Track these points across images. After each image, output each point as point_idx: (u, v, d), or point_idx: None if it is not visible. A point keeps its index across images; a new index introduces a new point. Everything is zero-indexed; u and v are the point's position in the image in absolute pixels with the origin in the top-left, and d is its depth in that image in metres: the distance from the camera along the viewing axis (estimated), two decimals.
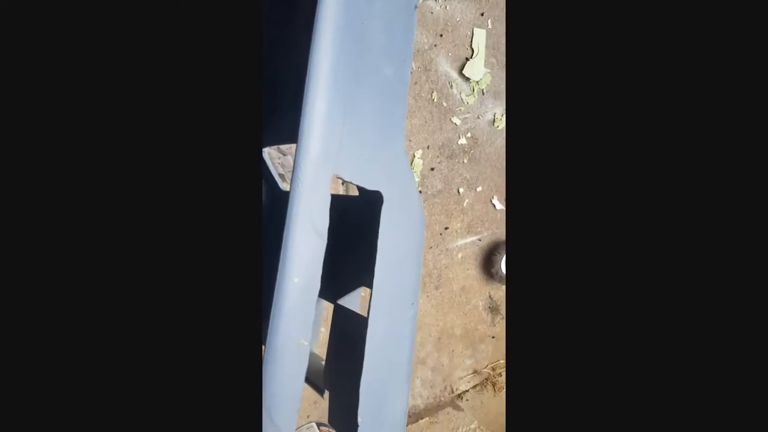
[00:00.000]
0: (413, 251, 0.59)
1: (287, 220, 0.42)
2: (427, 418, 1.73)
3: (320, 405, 1.49)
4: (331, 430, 1.45)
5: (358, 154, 0.49)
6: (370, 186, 0.51)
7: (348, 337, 0.68)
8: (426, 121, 1.59)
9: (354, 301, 0.83)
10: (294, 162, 0.43)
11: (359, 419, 0.54)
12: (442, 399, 1.83)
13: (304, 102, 0.43)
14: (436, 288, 1.74)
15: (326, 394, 0.73)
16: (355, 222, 0.77)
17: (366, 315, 0.58)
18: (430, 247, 1.71)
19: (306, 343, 0.44)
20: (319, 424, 1.45)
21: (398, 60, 0.54)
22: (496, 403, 1.92)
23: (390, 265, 0.58)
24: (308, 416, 1.46)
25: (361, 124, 0.49)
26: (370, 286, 0.58)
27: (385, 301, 0.58)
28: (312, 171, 0.43)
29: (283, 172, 1.10)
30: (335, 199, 0.85)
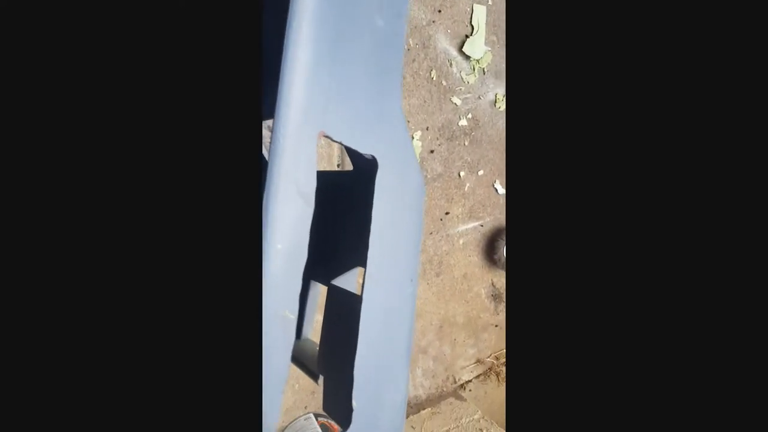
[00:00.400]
0: (412, 222, 0.55)
1: (267, 181, 0.38)
2: (429, 409, 1.70)
3: (318, 396, 1.46)
4: (329, 420, 1.43)
5: (349, 110, 0.44)
6: (362, 149, 0.47)
7: (342, 317, 0.64)
8: (425, 101, 1.54)
9: (350, 284, 0.79)
10: (275, 115, 0.38)
11: (354, 403, 0.50)
12: (445, 389, 1.80)
13: (284, 47, 0.39)
14: (437, 275, 1.70)
15: (321, 380, 0.70)
16: (349, 198, 0.73)
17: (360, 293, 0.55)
18: (431, 233, 1.67)
19: (292, 317, 0.40)
20: (317, 415, 1.42)
21: (390, 11, 0.49)
22: (500, 393, 1.89)
23: (386, 237, 0.54)
24: (306, 407, 1.43)
25: (352, 77, 0.45)
26: (365, 265, 0.54)
27: (381, 276, 0.54)
28: (295, 124, 0.39)
29: None
30: (328, 175, 0.81)
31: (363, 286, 0.54)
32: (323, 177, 0.80)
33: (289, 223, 0.39)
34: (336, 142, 0.44)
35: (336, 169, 1.50)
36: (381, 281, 0.55)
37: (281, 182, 0.38)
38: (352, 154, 0.56)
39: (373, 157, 0.49)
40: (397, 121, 0.49)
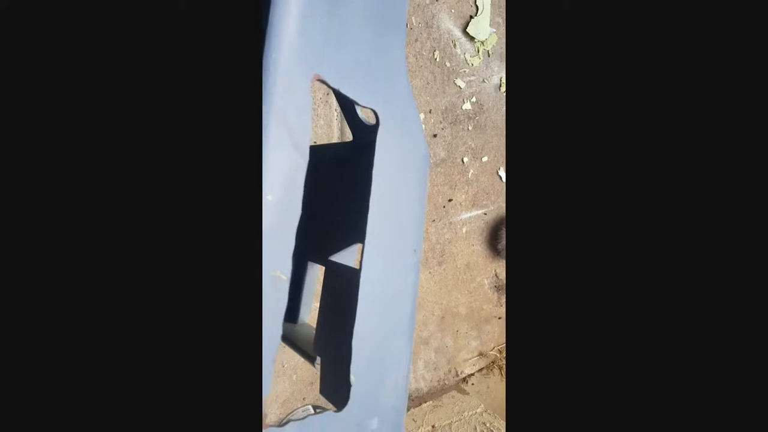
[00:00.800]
0: (415, 186, 0.52)
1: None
2: (431, 402, 1.67)
3: (317, 387, 1.43)
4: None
5: (348, 54, 0.41)
6: (362, 100, 0.44)
7: (340, 292, 0.61)
8: (428, 83, 1.51)
9: (350, 261, 0.77)
10: (263, 53, 0.35)
11: (352, 378, 0.47)
12: (447, 382, 1.78)
13: None
14: (440, 264, 1.67)
15: (318, 364, 0.67)
16: (348, 169, 0.70)
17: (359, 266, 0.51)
18: (433, 220, 1.64)
19: (284, 278, 0.37)
20: (315, 407, 1.40)
21: None
22: (504, 387, 1.86)
23: (387, 201, 0.51)
24: (303, 398, 1.40)
25: (353, 21, 0.41)
26: (362, 241, 0.51)
27: (382, 245, 0.51)
28: (288, 62, 0.36)
29: None
30: (326, 148, 0.78)
31: (362, 255, 0.51)
32: (319, 151, 0.76)
33: (281, 174, 0.36)
34: (332, 88, 0.41)
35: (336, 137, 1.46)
36: (381, 250, 0.52)
37: (272, 128, 0.35)
38: (349, 109, 0.53)
39: (373, 110, 0.46)
40: (399, 70, 0.46)
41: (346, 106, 0.52)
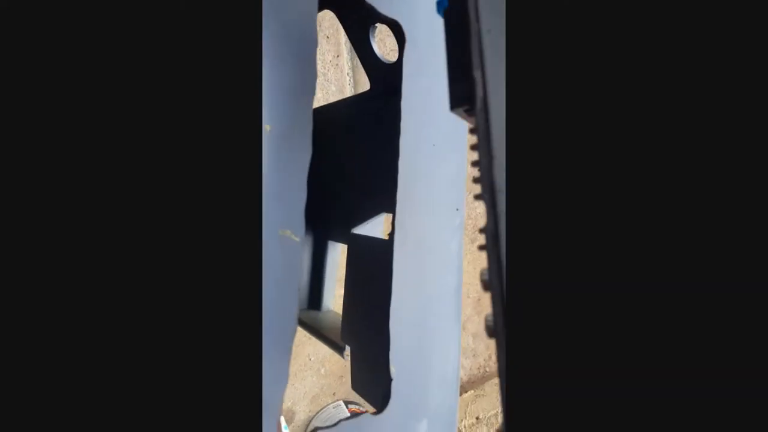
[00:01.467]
0: (454, 126, 0.43)
1: None
2: (472, 391, 1.59)
3: (347, 381, 1.37)
4: (360, 407, 1.33)
5: None
6: (379, 4, 0.34)
7: (368, 270, 0.52)
8: None
9: (375, 233, 0.68)
10: None
11: (393, 370, 0.38)
12: (488, 369, 1.69)
13: None
14: (472, 241, 1.57)
15: (347, 355, 0.59)
16: (369, 126, 0.60)
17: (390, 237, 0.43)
18: None
19: (297, 239, 0.28)
20: (347, 403, 1.34)
21: None
22: None
23: (420, 149, 0.41)
24: (334, 393, 1.34)
25: None
26: (392, 210, 0.42)
27: (417, 204, 0.42)
28: None
29: None
30: (338, 106, 0.68)
31: (393, 222, 0.42)
32: (336, 111, 0.67)
33: (283, 93, 0.27)
34: None
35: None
36: (417, 211, 0.42)
37: (264, 29, 0.26)
38: (360, 33, 0.43)
39: (396, 23, 0.36)
40: None
41: (355, 25, 0.43)
